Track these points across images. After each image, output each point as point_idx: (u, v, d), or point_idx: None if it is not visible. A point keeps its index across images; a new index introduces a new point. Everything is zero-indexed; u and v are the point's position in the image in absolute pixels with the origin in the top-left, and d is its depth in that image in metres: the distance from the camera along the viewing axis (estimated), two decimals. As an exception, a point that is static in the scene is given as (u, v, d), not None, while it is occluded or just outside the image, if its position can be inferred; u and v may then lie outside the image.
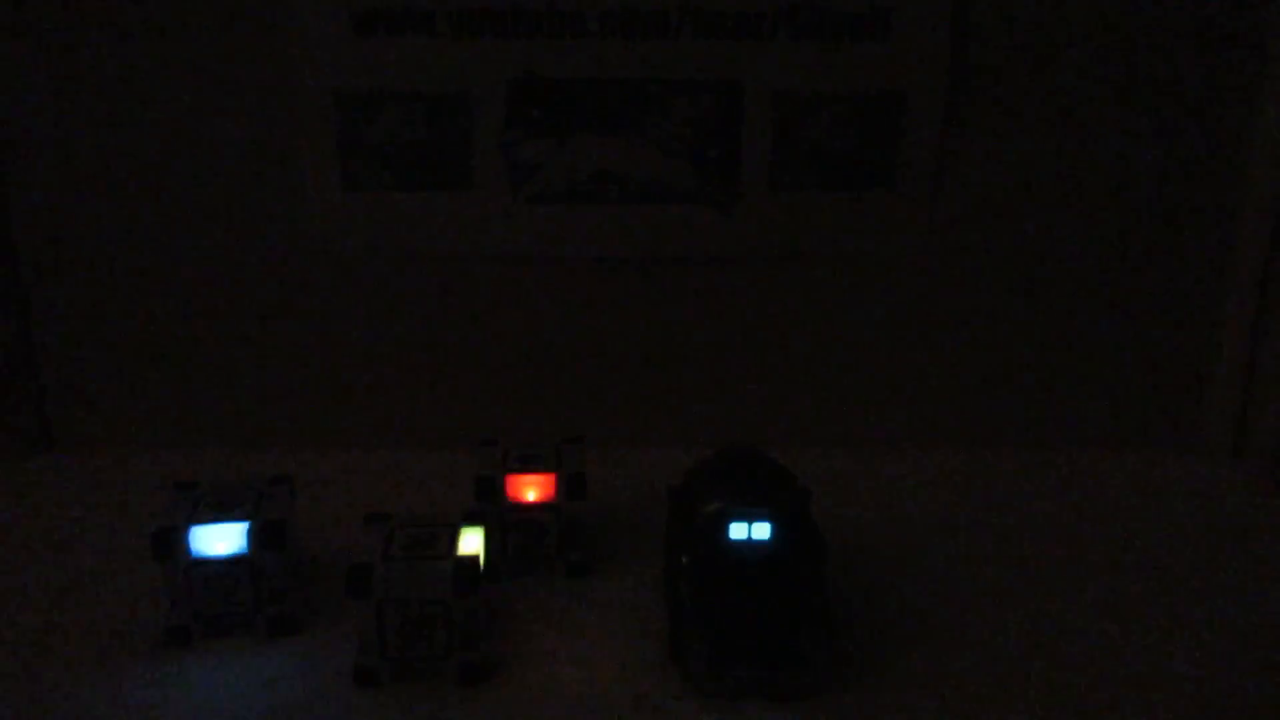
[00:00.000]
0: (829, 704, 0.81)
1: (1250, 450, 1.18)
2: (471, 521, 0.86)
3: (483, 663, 0.84)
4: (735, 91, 1.08)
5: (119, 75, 1.06)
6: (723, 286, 1.15)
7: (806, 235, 1.13)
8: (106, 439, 1.19)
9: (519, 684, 0.84)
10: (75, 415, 1.18)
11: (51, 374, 1.17)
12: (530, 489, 0.95)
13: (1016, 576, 0.98)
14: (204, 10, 1.05)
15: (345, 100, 1.07)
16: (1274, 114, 1.08)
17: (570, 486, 0.95)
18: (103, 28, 1.05)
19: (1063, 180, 1.12)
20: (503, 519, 0.95)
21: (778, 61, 1.07)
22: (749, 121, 1.09)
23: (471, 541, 0.84)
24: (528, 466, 0.95)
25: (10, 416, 1.16)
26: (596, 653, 0.87)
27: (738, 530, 0.80)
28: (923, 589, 0.96)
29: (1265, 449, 1.16)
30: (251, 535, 0.87)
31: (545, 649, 0.88)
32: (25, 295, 1.14)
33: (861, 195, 1.11)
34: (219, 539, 0.87)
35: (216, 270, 1.13)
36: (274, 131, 1.09)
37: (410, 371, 1.18)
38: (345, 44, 1.05)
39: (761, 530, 0.80)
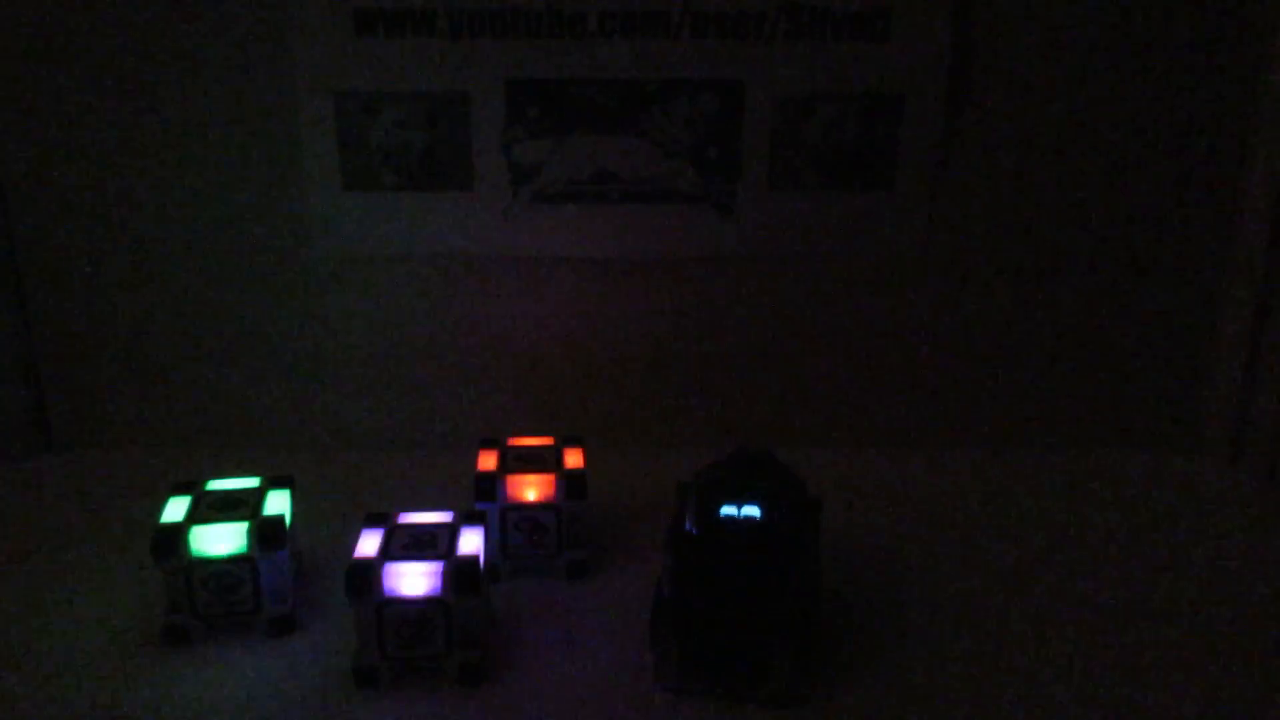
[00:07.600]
0: (825, 705, 0.81)
1: (1249, 450, 1.18)
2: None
3: (483, 663, 0.84)
4: (735, 91, 1.08)
5: (119, 74, 1.06)
6: (723, 286, 1.15)
7: (806, 235, 1.13)
8: (106, 439, 1.19)
9: (519, 684, 0.84)
10: (75, 415, 1.18)
11: (51, 374, 1.17)
12: (530, 489, 0.95)
13: (1015, 576, 0.98)
14: (204, 10, 1.05)
15: (345, 100, 1.07)
16: (1273, 113, 1.08)
17: (570, 486, 0.95)
18: (103, 26, 1.05)
19: (1062, 180, 1.12)
20: (503, 519, 0.95)
21: (778, 61, 1.07)
22: (749, 121, 1.09)
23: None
24: (528, 467, 0.96)
25: (10, 416, 1.16)
26: (596, 653, 0.87)
27: (728, 509, 0.78)
28: (921, 587, 0.96)
29: (1264, 449, 1.16)
30: (251, 535, 0.87)
31: (545, 649, 0.88)
32: (25, 295, 1.14)
33: (861, 195, 1.11)
34: (219, 539, 0.87)
35: (216, 270, 1.13)
36: (274, 131, 1.09)
37: (410, 372, 1.17)
38: (345, 44, 1.05)
39: (751, 510, 0.78)
